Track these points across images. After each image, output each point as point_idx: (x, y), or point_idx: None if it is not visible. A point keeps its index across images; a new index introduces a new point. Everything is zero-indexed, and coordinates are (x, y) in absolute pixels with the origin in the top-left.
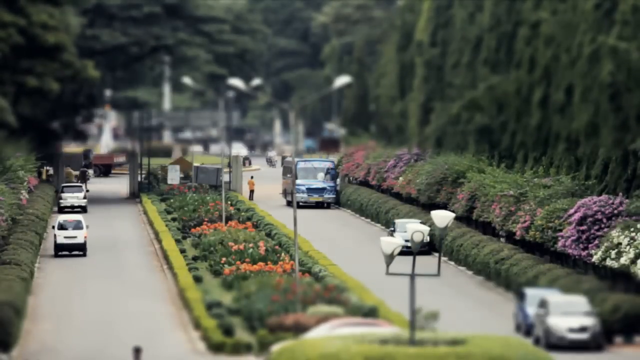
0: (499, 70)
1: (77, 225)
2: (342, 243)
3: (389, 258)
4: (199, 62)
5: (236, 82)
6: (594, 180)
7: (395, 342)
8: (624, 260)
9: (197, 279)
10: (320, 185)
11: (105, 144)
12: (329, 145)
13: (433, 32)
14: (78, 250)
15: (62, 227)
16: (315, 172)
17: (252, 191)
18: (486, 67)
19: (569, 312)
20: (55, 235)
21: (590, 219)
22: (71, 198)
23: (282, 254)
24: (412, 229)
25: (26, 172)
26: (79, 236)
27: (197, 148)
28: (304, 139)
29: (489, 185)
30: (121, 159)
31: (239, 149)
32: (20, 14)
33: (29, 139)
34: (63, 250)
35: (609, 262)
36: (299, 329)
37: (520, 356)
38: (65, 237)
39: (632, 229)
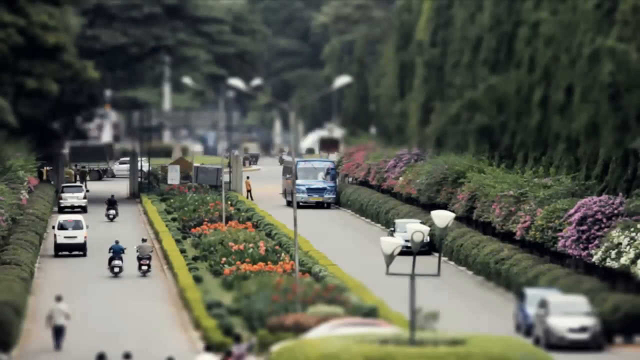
0: (499, 70)
1: (77, 225)
2: (342, 243)
3: (389, 258)
4: (199, 62)
5: (236, 82)
6: (594, 180)
7: (395, 342)
8: (624, 260)
9: (197, 279)
10: (320, 185)
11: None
12: (329, 145)
13: (433, 32)
14: (78, 250)
15: (62, 227)
16: (315, 172)
17: (249, 191)
18: (486, 67)
19: (569, 312)
20: (55, 235)
21: (590, 219)
22: (71, 198)
23: (282, 254)
24: (412, 229)
25: (26, 172)
26: (79, 236)
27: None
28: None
29: (489, 185)
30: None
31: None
32: (20, 14)
33: (29, 139)
34: (63, 250)
35: (609, 262)
36: (299, 329)
37: (520, 356)
38: (65, 237)
39: (632, 229)
